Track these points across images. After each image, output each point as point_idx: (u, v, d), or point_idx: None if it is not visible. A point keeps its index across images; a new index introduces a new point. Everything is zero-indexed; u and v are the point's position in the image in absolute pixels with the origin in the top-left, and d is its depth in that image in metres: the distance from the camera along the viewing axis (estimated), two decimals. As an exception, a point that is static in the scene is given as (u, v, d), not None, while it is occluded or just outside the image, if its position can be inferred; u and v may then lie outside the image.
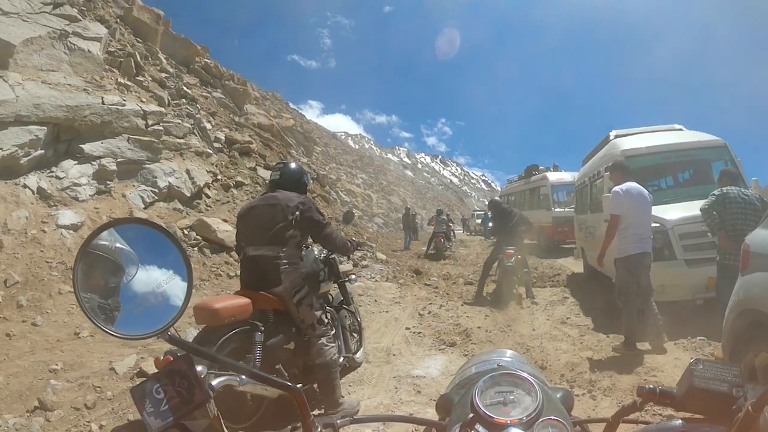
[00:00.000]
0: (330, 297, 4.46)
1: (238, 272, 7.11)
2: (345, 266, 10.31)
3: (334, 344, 3.67)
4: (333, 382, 3.56)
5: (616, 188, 5.06)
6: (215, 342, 3.01)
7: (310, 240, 3.98)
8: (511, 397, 0.79)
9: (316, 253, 4.26)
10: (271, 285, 3.42)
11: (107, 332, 0.95)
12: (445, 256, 15.73)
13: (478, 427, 0.75)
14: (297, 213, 3.53)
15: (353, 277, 4.93)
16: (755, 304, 2.84)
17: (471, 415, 0.77)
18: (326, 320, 3.72)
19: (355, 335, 4.85)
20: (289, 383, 0.91)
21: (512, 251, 8.00)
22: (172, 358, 2.33)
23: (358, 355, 4.81)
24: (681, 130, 7.76)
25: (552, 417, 0.75)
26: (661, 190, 7.26)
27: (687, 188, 7.01)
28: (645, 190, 5.09)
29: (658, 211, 5.96)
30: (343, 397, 3.73)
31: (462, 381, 0.96)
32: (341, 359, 4.11)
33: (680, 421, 0.77)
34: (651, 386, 0.82)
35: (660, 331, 4.96)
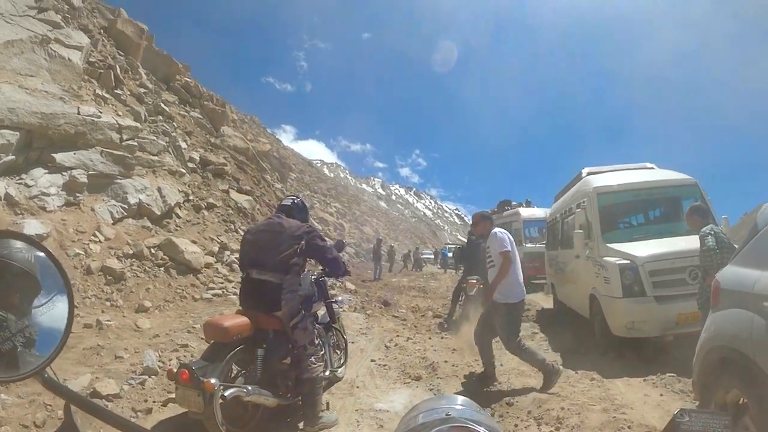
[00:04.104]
0: (317, 315, 4.78)
1: (204, 295, 7.07)
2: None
3: (321, 362, 4.06)
4: (315, 397, 3.84)
5: (496, 230, 5.41)
6: (225, 356, 3.40)
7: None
8: None
9: (312, 277, 4.73)
10: (272, 309, 3.70)
11: None
12: (421, 269, 30.46)
13: None
14: (302, 242, 3.89)
15: (340, 299, 5.70)
16: (726, 340, 2.85)
17: None
18: (317, 341, 4.14)
19: (339, 352, 5.30)
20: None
21: (474, 281, 8.40)
22: (186, 372, 2.93)
23: (340, 370, 5.27)
24: (652, 168, 7.92)
25: None
26: (632, 227, 7.41)
27: (657, 225, 7.13)
28: None
29: (628, 247, 6.06)
30: (323, 411, 3.97)
31: None
32: (327, 374, 4.48)
33: None
34: None
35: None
